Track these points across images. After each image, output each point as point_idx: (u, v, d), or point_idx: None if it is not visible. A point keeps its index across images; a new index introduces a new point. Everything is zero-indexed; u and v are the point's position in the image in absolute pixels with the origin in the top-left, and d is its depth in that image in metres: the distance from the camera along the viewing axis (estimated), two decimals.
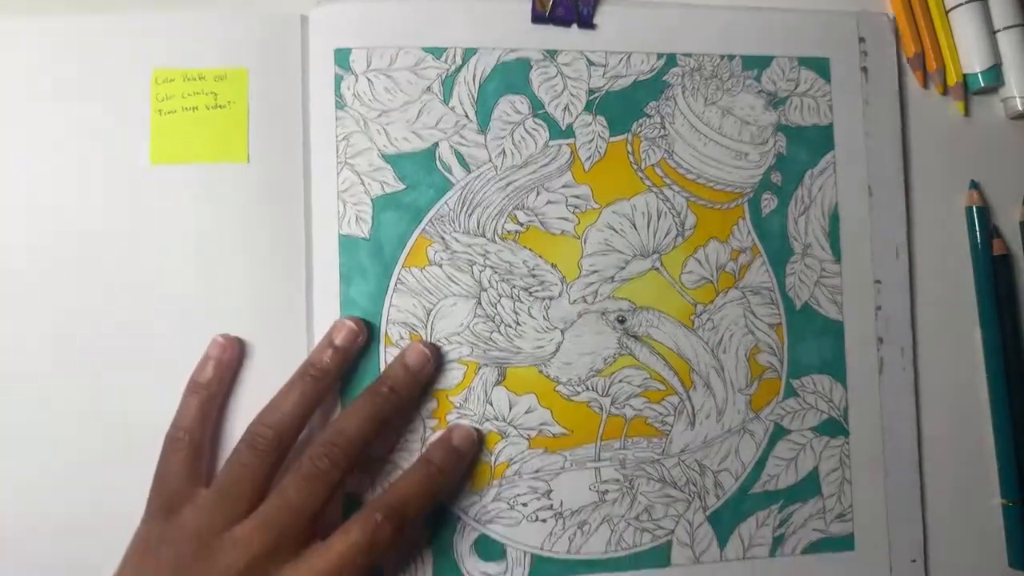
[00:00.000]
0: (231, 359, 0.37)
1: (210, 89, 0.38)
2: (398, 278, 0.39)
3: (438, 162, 0.40)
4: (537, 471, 0.39)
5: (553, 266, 0.40)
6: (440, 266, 0.40)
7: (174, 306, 0.38)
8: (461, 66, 0.40)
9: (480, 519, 0.39)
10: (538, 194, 0.41)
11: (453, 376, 0.39)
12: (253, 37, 0.39)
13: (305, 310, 0.38)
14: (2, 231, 0.38)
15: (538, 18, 0.41)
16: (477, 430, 0.39)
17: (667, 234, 0.42)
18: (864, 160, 0.43)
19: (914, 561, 0.42)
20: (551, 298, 0.40)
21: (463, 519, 0.39)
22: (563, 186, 0.41)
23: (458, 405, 0.39)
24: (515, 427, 0.39)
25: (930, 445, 0.43)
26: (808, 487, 0.41)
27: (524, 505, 0.39)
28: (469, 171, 0.40)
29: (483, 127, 0.40)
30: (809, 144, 0.43)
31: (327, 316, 0.38)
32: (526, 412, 0.40)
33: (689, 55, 0.42)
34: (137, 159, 0.38)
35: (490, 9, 0.41)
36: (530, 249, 0.40)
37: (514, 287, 0.40)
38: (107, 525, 0.34)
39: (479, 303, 0.40)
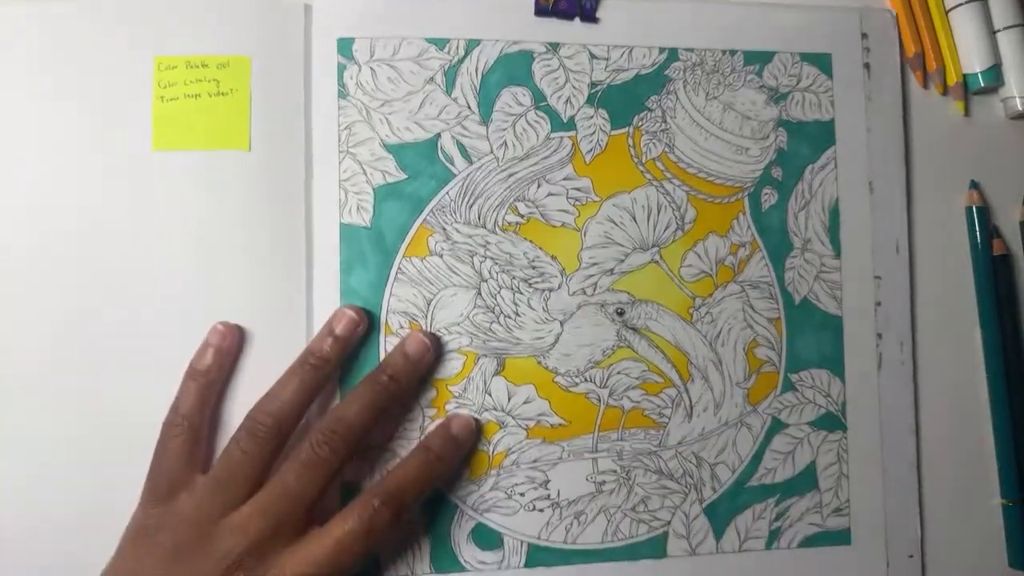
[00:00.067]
0: (231, 346, 0.37)
1: (212, 77, 0.38)
2: (399, 268, 0.39)
3: (440, 153, 0.40)
4: (535, 461, 0.40)
5: (553, 258, 0.41)
6: (441, 256, 0.40)
7: (174, 293, 0.38)
8: (464, 57, 0.41)
9: (478, 508, 0.39)
10: (539, 186, 0.41)
11: (452, 366, 0.39)
12: (256, 25, 0.39)
13: (305, 298, 0.38)
14: (2, 216, 0.38)
15: (541, 11, 0.41)
16: (476, 419, 0.39)
17: (667, 228, 0.42)
18: (865, 156, 0.43)
19: (911, 557, 0.42)
20: (551, 290, 0.40)
21: (461, 508, 0.39)
22: (564, 178, 0.41)
23: (457, 395, 0.39)
24: (513, 417, 0.40)
25: (930, 445, 0.43)
26: (805, 481, 0.41)
27: (521, 495, 0.39)
28: (471, 162, 0.40)
29: (485, 118, 0.40)
30: (810, 139, 0.43)
31: (327, 305, 0.38)
32: (524, 402, 0.40)
33: (691, 50, 0.43)
34: (139, 146, 0.38)
35: (493, 1, 0.41)
36: (530, 241, 0.40)
37: (514, 278, 0.40)
38: (106, 522, 0.34)
39: (479, 294, 0.40)
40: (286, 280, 0.38)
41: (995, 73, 0.44)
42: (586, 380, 0.40)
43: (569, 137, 0.41)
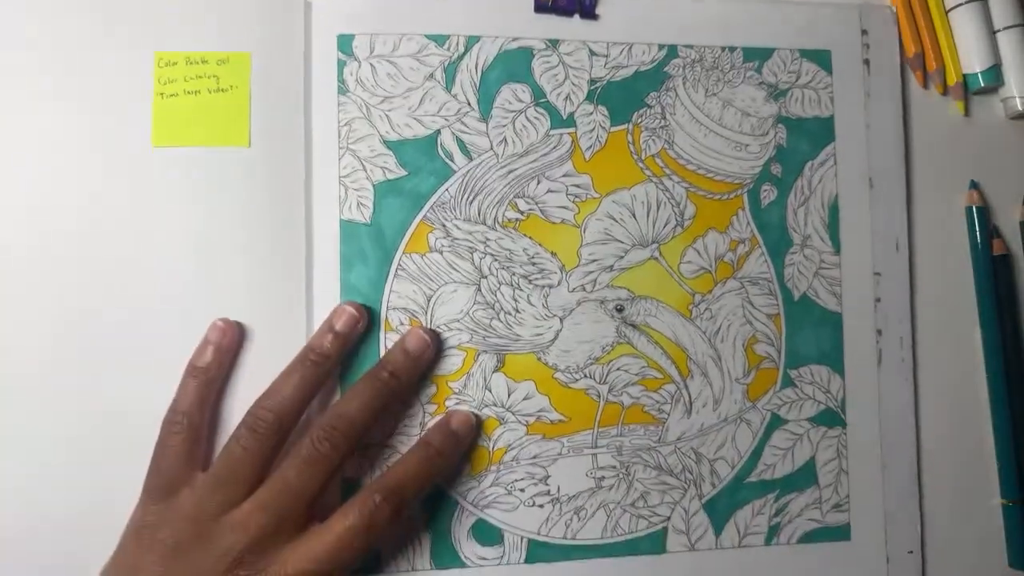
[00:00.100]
0: (230, 343, 0.37)
1: (212, 73, 0.38)
2: (399, 264, 0.39)
3: (440, 149, 0.40)
4: (535, 457, 0.40)
5: (553, 254, 0.41)
6: (441, 253, 0.40)
7: (173, 289, 0.38)
8: (463, 54, 0.41)
9: (478, 504, 0.39)
10: (539, 183, 0.41)
11: (452, 362, 0.39)
12: (256, 21, 0.39)
13: (305, 295, 0.38)
14: (2, 213, 0.37)
15: (541, 7, 0.41)
16: (476, 415, 0.39)
17: (666, 224, 0.42)
18: (865, 152, 0.43)
19: (911, 552, 0.42)
20: (550, 286, 0.40)
21: (461, 504, 0.39)
22: (564, 175, 0.41)
23: (457, 391, 0.39)
24: (513, 413, 0.40)
25: (929, 445, 0.43)
26: (805, 477, 0.41)
27: (521, 490, 0.39)
28: (470, 159, 0.40)
29: (485, 115, 0.40)
30: (810, 136, 0.43)
31: (327, 301, 0.38)
32: (524, 399, 0.40)
33: (690, 46, 0.43)
34: (139, 142, 0.38)
35: None
36: (530, 237, 0.41)
37: (514, 275, 0.40)
38: (106, 521, 0.34)
39: (479, 290, 0.40)
40: (286, 277, 0.38)
41: (995, 73, 0.44)
42: (586, 376, 0.40)
43: (569, 134, 0.41)
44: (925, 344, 0.43)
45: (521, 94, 0.41)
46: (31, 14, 0.38)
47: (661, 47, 0.42)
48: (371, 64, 0.40)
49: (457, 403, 0.39)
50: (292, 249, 0.39)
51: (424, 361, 0.38)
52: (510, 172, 0.41)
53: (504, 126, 0.41)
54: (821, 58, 0.44)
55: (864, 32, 0.44)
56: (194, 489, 0.34)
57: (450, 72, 0.40)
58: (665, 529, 0.40)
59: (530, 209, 0.41)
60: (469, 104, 0.40)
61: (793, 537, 0.41)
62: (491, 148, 0.40)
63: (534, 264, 0.40)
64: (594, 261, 0.41)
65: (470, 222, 0.40)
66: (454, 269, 0.40)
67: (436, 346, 0.39)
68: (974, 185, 0.45)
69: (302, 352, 0.37)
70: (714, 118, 0.42)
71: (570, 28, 0.42)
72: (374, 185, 0.39)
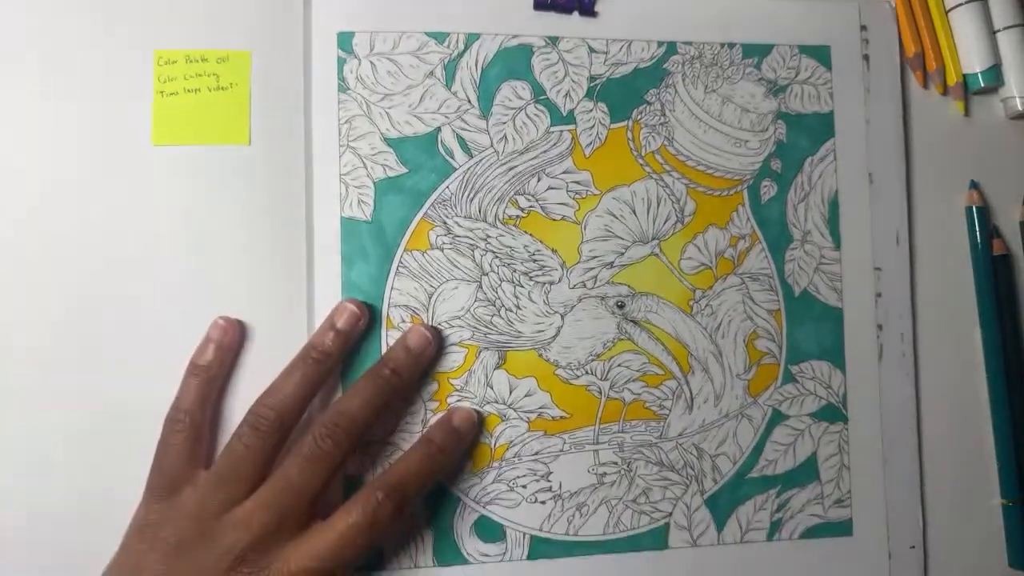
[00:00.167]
0: (232, 341, 0.37)
1: (212, 71, 0.38)
2: (400, 261, 0.39)
3: (440, 146, 0.40)
4: (536, 453, 0.40)
5: (553, 251, 0.41)
6: (442, 250, 0.40)
7: (174, 288, 0.38)
8: (463, 51, 0.41)
9: (480, 500, 0.39)
10: (539, 180, 0.41)
11: (454, 359, 0.39)
12: (256, 19, 0.39)
13: (306, 293, 0.38)
14: (2, 212, 0.37)
15: (540, 5, 0.41)
16: (477, 412, 0.39)
17: (666, 220, 0.42)
18: (865, 147, 0.43)
19: (913, 547, 0.42)
20: (551, 283, 0.41)
21: (463, 500, 0.39)
22: (564, 172, 0.41)
23: (459, 388, 0.39)
24: (515, 410, 0.40)
25: (930, 445, 0.43)
26: (806, 472, 0.41)
27: (523, 487, 0.39)
28: (471, 156, 0.40)
29: (485, 112, 0.41)
30: (809, 131, 0.43)
31: (328, 299, 0.38)
32: (526, 395, 0.40)
33: (690, 43, 0.43)
34: (139, 140, 0.38)
35: None
36: (531, 234, 0.41)
37: (515, 271, 0.40)
38: (108, 520, 0.34)
39: (480, 287, 0.40)
40: (287, 275, 0.38)
41: (995, 73, 0.44)
42: (587, 373, 0.40)
43: (569, 131, 0.41)
44: (925, 344, 0.43)
45: (521, 91, 0.41)
46: (31, 14, 0.38)
47: (660, 44, 0.42)
48: (371, 62, 0.40)
49: (459, 400, 0.39)
50: (293, 247, 0.39)
51: (426, 358, 0.38)
52: (510, 169, 0.41)
53: (504, 123, 0.41)
54: (820, 54, 0.44)
55: (863, 28, 0.44)
56: (196, 487, 0.34)
57: (450, 69, 0.40)
58: (667, 525, 0.40)
59: (531, 206, 0.41)
60: (469, 101, 0.40)
61: (795, 533, 0.41)
62: (491, 145, 0.40)
63: (535, 261, 0.40)
64: (595, 258, 0.41)
65: (471, 219, 0.40)
66: (455, 266, 0.40)
67: (437, 343, 0.39)
68: (974, 185, 0.45)
69: (303, 350, 0.37)
70: (714, 114, 0.43)
71: (569, 25, 0.42)
72: (375, 182, 0.39)
